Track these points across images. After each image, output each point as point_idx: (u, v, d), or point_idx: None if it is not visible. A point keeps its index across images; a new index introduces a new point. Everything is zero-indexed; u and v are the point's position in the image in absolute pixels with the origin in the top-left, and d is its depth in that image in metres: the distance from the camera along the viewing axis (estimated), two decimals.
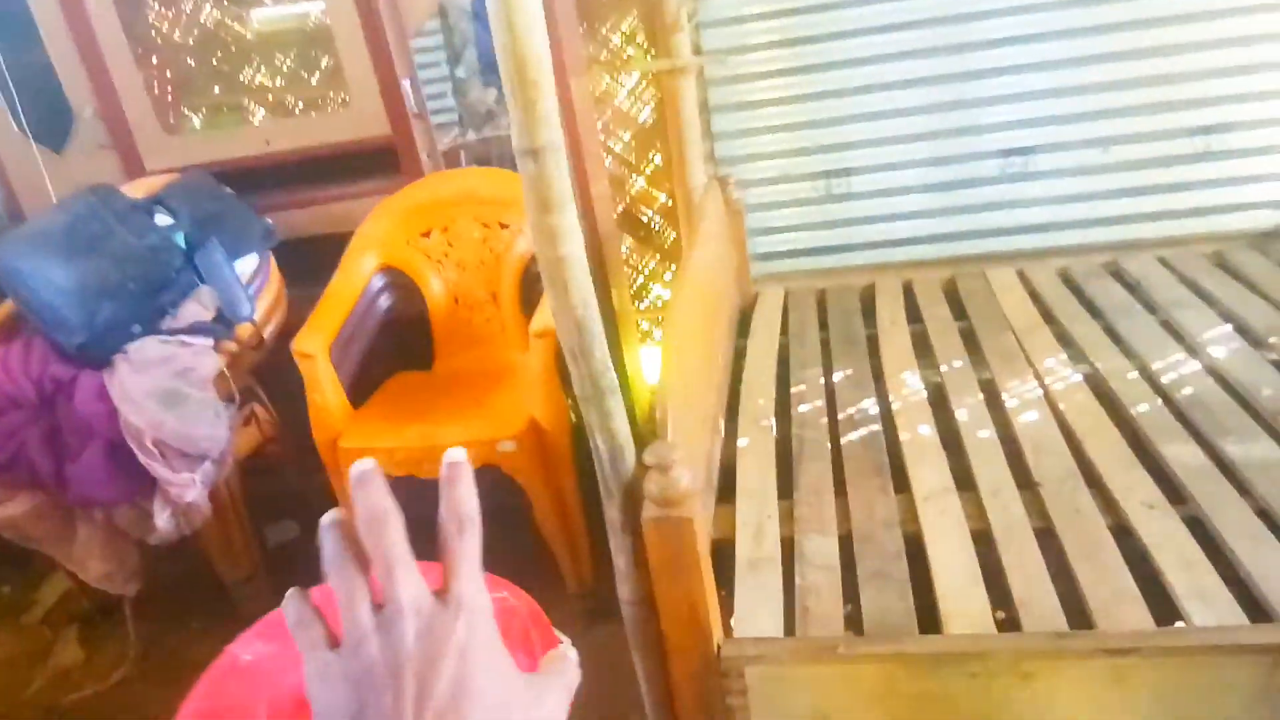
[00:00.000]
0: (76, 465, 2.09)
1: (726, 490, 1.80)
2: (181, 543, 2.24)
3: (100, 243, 2.21)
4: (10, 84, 2.63)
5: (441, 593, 0.46)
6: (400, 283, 2.42)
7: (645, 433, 1.53)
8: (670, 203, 2.85)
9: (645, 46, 2.75)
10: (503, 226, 2.37)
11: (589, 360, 1.40)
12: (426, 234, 2.41)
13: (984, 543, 1.56)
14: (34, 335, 2.21)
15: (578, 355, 1.39)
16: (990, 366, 2.07)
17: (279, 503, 2.63)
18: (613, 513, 1.47)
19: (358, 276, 2.33)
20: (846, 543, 1.61)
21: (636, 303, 2.97)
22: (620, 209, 2.89)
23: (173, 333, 2.19)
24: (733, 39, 2.65)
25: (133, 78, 2.64)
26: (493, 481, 2.00)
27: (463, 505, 0.48)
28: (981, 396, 1.96)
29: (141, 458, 2.07)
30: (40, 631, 2.48)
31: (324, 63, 2.79)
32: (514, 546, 2.17)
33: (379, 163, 2.57)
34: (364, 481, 0.46)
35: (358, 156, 2.59)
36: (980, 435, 1.82)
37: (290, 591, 0.47)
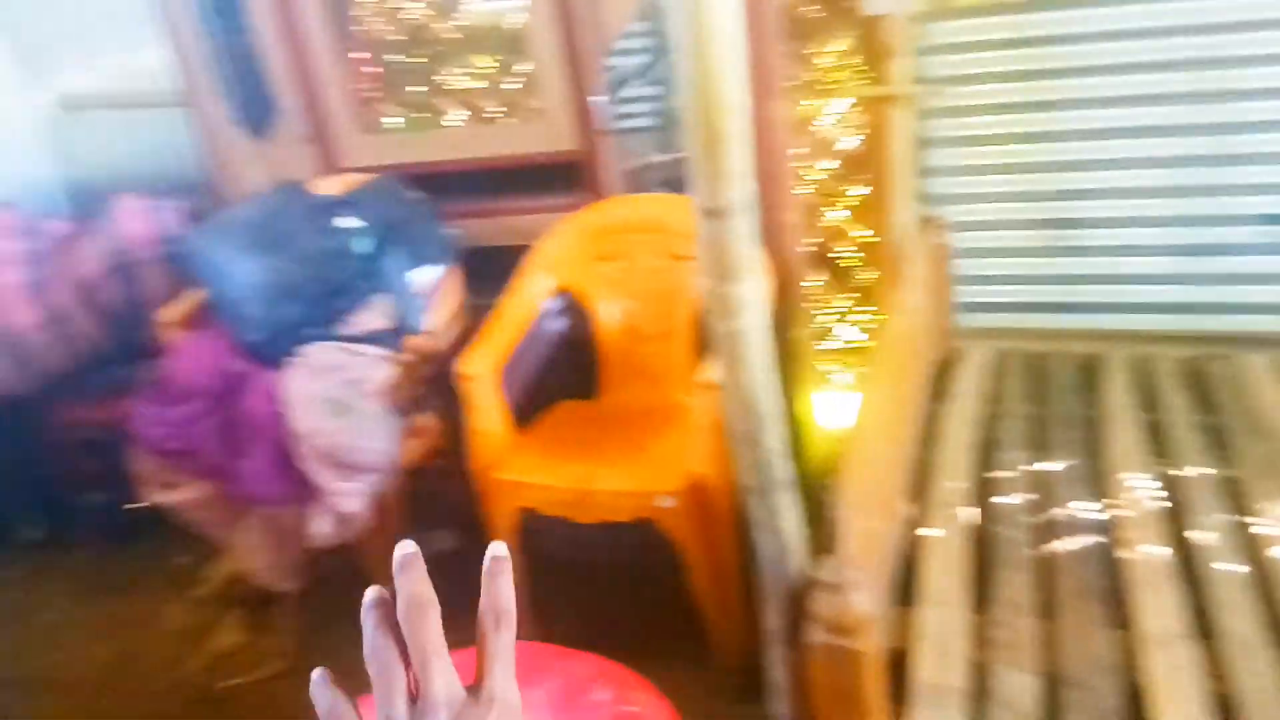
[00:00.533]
0: (244, 463, 2.11)
1: (905, 585, 1.59)
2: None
3: (287, 241, 2.23)
4: (221, 67, 2.72)
5: (474, 687, 0.48)
6: (573, 306, 2.32)
7: (817, 486, 1.35)
8: (869, 240, 2.62)
9: (859, 69, 2.52)
10: (684, 259, 2.23)
11: (758, 449, 1.23)
12: (605, 259, 2.30)
13: (1226, 712, 1.28)
14: (219, 326, 2.26)
15: (746, 442, 1.23)
16: (1241, 478, 1.74)
17: (440, 511, 2.60)
18: (773, 620, 1.30)
19: (531, 298, 2.24)
20: (1049, 683, 1.37)
21: (819, 343, 2.75)
22: (813, 242, 2.68)
23: (348, 339, 2.18)
24: (958, 68, 2.39)
25: (334, 71, 2.66)
26: (646, 537, 1.87)
27: (500, 599, 0.49)
28: (1229, 516, 1.64)
29: (305, 464, 2.07)
30: (206, 609, 2.55)
31: (522, 67, 2.72)
32: (662, 609, 2.03)
33: (566, 177, 2.49)
34: (406, 567, 0.48)
35: (546, 169, 2.51)
36: (1226, 568, 1.52)
37: (317, 676, 0.48)
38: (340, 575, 2.40)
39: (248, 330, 2.16)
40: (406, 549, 0.48)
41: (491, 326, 2.16)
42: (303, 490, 2.11)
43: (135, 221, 2.83)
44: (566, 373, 2.33)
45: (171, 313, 2.38)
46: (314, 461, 2.07)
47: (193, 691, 2.32)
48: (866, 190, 2.62)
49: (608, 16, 2.39)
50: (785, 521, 1.24)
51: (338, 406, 2.08)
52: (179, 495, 2.23)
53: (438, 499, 2.49)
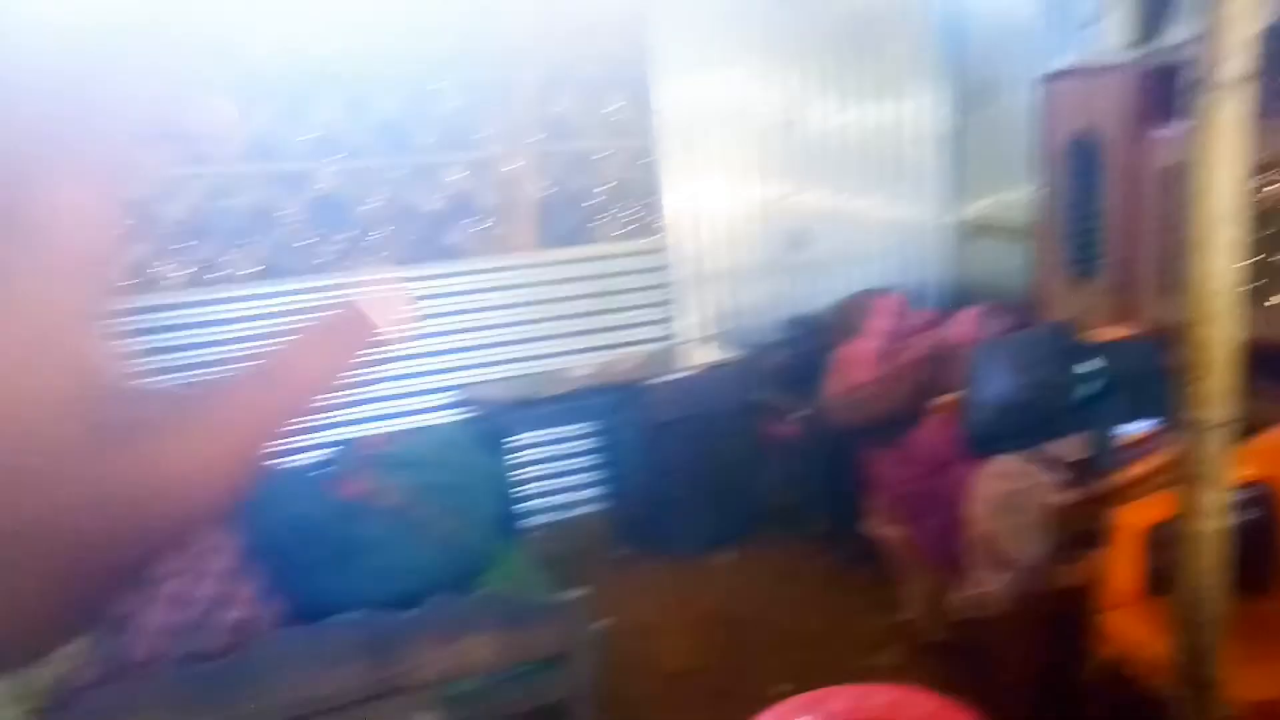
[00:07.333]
0: (927, 521, 2.68)
1: None
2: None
3: (1033, 368, 2.67)
4: (1069, 216, 3.23)
5: None
6: (1265, 499, 2.21)
7: None
8: None
9: None
10: None
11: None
12: None
13: None
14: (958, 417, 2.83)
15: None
16: None
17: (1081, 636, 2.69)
18: None
19: None
20: None
21: None
22: None
23: (1037, 459, 2.53)
24: None
25: (1142, 239, 2.93)
26: None
27: None
28: None
29: (967, 543, 2.53)
30: (891, 631, 3.15)
31: None
32: None
33: None
34: None
35: None
36: None
37: None
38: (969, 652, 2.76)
39: (971, 426, 2.69)
40: None
41: (1170, 494, 2.25)
42: (958, 562, 2.57)
43: (966, 325, 3.56)
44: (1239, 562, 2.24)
45: (943, 401, 3.04)
46: (972, 543, 2.51)
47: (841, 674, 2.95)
48: None
49: None
50: None
51: (1006, 507, 2.48)
52: (890, 532, 2.92)
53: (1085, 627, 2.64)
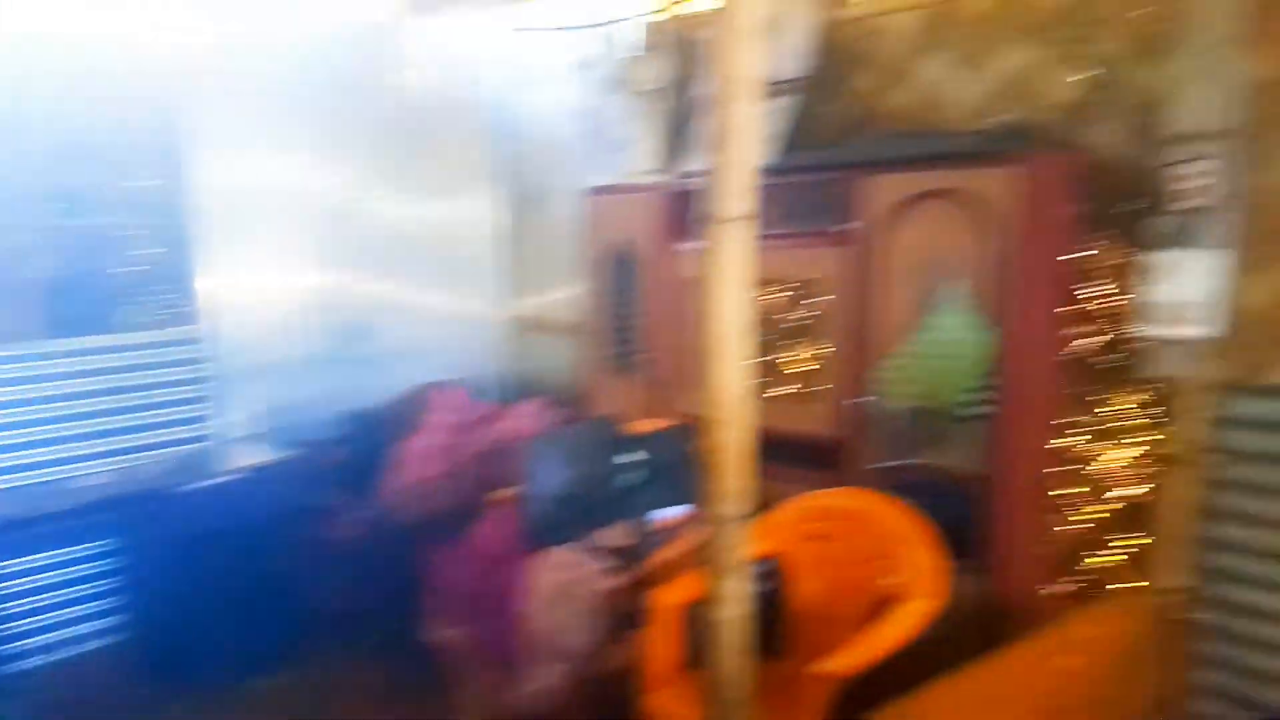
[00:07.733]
0: (488, 621, 2.65)
1: None
2: None
3: (581, 461, 2.80)
4: (610, 314, 3.50)
5: None
6: (775, 572, 2.52)
7: None
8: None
9: (1157, 422, 2.47)
10: (884, 559, 2.34)
11: None
12: (815, 537, 2.50)
13: None
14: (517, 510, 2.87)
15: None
16: None
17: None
18: None
19: None
20: None
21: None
22: (1075, 581, 2.57)
23: (590, 549, 2.65)
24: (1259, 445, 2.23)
25: (671, 339, 3.27)
26: None
27: None
28: None
29: (525, 637, 2.54)
30: None
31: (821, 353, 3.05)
32: None
33: (824, 458, 2.76)
34: None
35: (811, 445, 2.81)
36: None
37: None
38: None
39: (528, 519, 2.74)
40: None
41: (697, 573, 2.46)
42: (518, 659, 2.57)
43: (523, 419, 3.66)
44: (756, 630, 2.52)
45: (500, 494, 3.07)
46: (530, 637, 2.53)
47: None
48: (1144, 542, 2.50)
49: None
50: None
51: (561, 597, 2.53)
52: (449, 634, 2.84)
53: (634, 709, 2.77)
